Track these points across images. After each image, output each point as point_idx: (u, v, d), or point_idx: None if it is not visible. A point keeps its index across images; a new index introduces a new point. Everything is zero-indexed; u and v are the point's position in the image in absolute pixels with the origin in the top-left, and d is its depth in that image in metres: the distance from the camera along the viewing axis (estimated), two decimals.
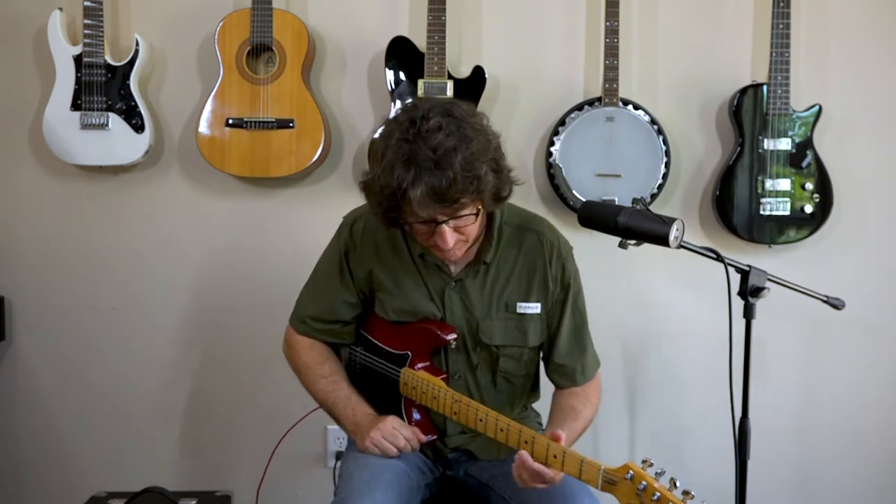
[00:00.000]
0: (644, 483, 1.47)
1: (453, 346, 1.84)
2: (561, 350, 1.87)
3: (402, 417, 1.86)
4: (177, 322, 2.62)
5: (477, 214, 1.65)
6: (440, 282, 1.83)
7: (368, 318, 1.95)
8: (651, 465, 1.49)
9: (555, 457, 1.59)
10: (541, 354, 1.93)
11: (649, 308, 2.61)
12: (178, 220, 2.59)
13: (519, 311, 1.82)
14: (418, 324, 1.85)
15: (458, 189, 1.54)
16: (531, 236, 1.84)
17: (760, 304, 1.71)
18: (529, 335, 1.84)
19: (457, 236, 1.64)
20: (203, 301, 2.61)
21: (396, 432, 1.79)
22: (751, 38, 2.54)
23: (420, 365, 1.85)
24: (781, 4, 2.40)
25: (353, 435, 1.87)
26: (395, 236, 1.83)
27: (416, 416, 1.87)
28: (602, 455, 2.64)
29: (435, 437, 1.88)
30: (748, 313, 1.70)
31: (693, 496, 1.46)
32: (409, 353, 1.86)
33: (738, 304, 1.68)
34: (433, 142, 1.53)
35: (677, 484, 1.47)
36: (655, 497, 1.45)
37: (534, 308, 1.83)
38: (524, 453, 1.60)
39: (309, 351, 1.94)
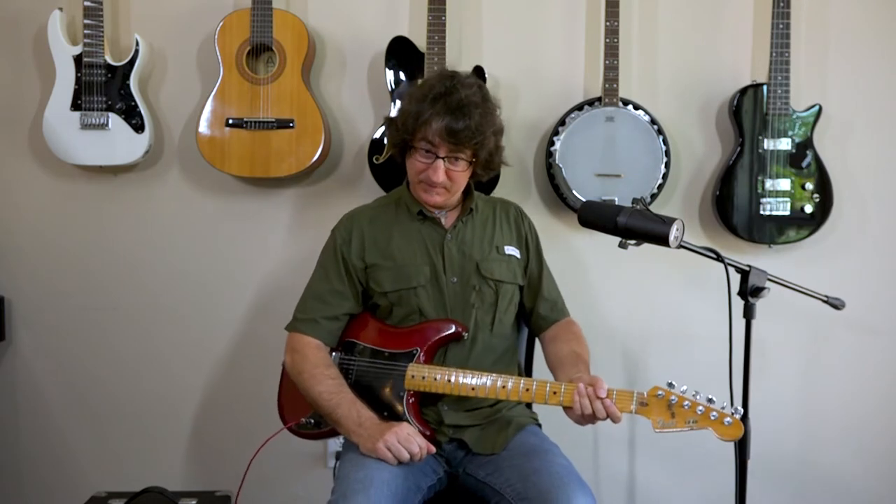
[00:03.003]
0: (675, 397, 1.71)
1: (465, 339, 1.96)
2: (546, 288, 2.12)
3: (403, 410, 1.89)
4: (177, 322, 2.61)
5: (469, 164, 1.94)
6: (437, 235, 2.03)
7: (364, 328, 2.00)
8: (674, 386, 1.72)
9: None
10: (524, 304, 2.12)
11: (649, 308, 2.61)
12: (178, 220, 2.59)
13: (507, 252, 2.07)
14: (430, 322, 1.95)
15: (467, 136, 1.86)
16: (499, 205, 2.15)
17: (760, 304, 1.71)
18: (517, 273, 2.07)
19: (445, 179, 1.92)
20: (203, 301, 2.61)
21: (412, 438, 1.80)
22: (751, 38, 2.54)
23: (424, 360, 1.92)
24: (781, 4, 2.40)
25: (353, 436, 1.86)
26: (392, 212, 2.06)
27: (412, 406, 1.90)
28: (602, 455, 2.64)
29: (430, 432, 1.90)
30: (748, 313, 1.71)
31: (715, 400, 1.70)
32: (419, 349, 1.92)
33: (738, 304, 1.68)
34: (463, 93, 1.88)
35: (699, 394, 1.71)
36: (686, 405, 1.70)
37: (515, 252, 2.08)
38: (600, 382, 1.75)
39: (318, 351, 1.98)
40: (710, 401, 1.70)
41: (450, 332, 1.94)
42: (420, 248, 2.01)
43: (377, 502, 1.69)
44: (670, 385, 1.71)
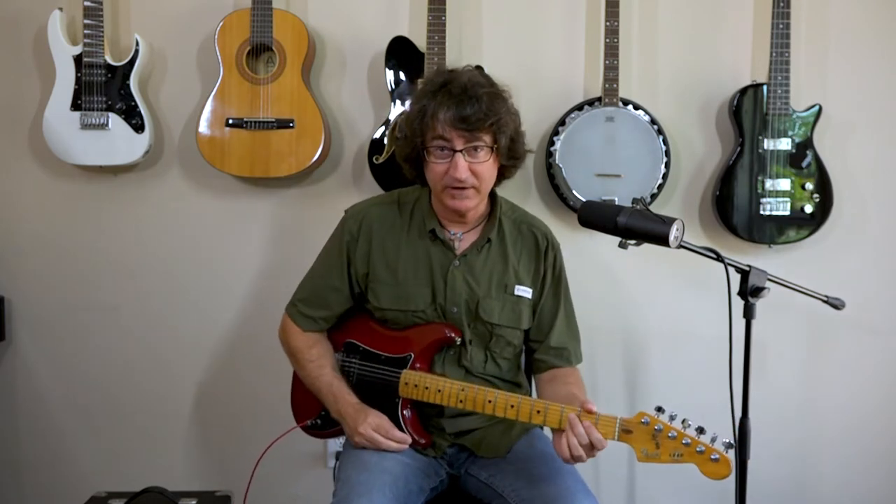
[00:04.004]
0: (660, 425, 1.62)
1: (458, 344, 1.90)
2: (557, 334, 1.97)
3: (398, 420, 1.89)
4: (177, 322, 2.62)
5: (490, 152, 1.79)
6: (445, 259, 1.91)
7: (363, 329, 1.98)
8: (663, 411, 1.63)
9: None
10: (528, 343, 2.01)
11: (649, 308, 2.61)
12: (178, 220, 2.59)
13: (516, 293, 1.92)
14: (424, 326, 1.91)
15: (479, 119, 1.73)
16: (527, 229, 1.98)
17: (760, 304, 1.71)
18: (523, 318, 1.94)
19: (470, 175, 1.77)
20: (203, 301, 2.61)
21: (376, 437, 1.84)
22: (751, 38, 2.54)
23: (419, 366, 1.89)
24: (781, 4, 2.40)
25: (341, 423, 1.92)
26: (406, 221, 1.94)
27: (409, 416, 1.90)
28: (602, 457, 2.63)
29: (425, 441, 1.90)
30: (748, 313, 1.70)
31: (705, 431, 1.61)
32: (412, 354, 1.89)
33: (738, 304, 1.68)
34: (465, 78, 1.77)
35: (689, 423, 1.62)
36: (671, 435, 1.61)
37: (527, 293, 1.94)
38: (575, 419, 1.66)
39: (300, 335, 2.00)
40: (699, 431, 1.63)
41: (442, 336, 1.89)
42: (424, 269, 1.91)
43: None
44: (659, 410, 1.65)
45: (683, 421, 1.64)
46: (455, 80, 1.77)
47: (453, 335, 1.89)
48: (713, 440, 1.63)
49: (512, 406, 1.76)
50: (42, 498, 2.67)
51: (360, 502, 1.68)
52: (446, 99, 1.74)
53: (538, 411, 1.73)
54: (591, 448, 1.66)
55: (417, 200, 1.96)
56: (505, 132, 1.79)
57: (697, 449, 1.62)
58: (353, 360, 1.97)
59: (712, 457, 1.62)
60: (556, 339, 1.97)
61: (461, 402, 1.81)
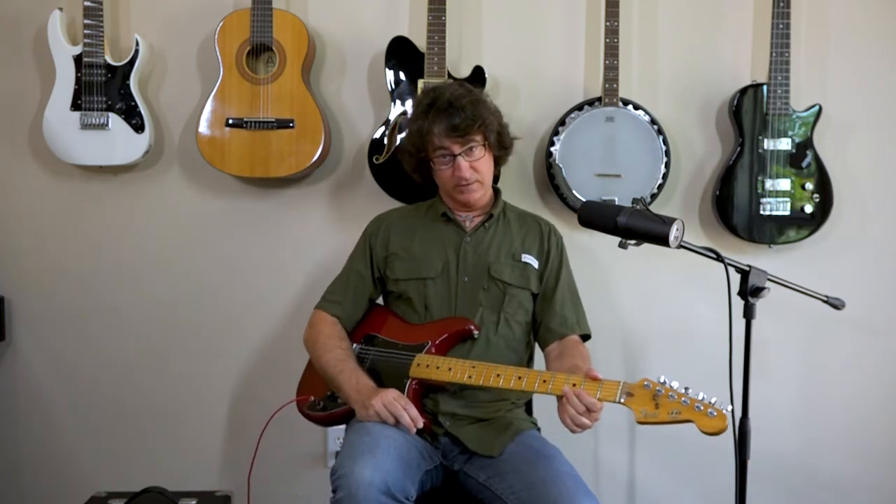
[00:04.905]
0: (661, 388, 1.69)
1: (476, 338, 2.01)
2: (559, 301, 2.11)
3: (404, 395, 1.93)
4: (177, 321, 2.61)
5: (484, 149, 2.05)
6: (457, 236, 2.13)
7: (384, 322, 2.10)
8: (665, 382, 1.70)
9: (574, 385, 1.76)
10: (534, 316, 2.12)
11: (649, 308, 2.61)
12: (178, 220, 2.59)
13: (523, 260, 2.11)
14: (447, 319, 2.04)
15: (468, 125, 1.99)
16: (531, 219, 2.22)
17: (760, 304, 1.71)
18: (531, 281, 2.11)
19: (472, 172, 2.03)
20: (204, 301, 2.61)
21: (396, 403, 1.87)
22: (751, 38, 2.54)
23: (434, 353, 1.97)
24: (781, 4, 2.40)
25: (351, 402, 1.95)
26: (422, 214, 2.18)
27: (415, 385, 1.94)
28: (602, 456, 2.64)
29: (426, 420, 1.92)
30: (748, 313, 1.71)
31: (704, 397, 1.66)
32: (430, 341, 1.98)
33: (738, 304, 1.68)
34: (448, 93, 2.03)
35: (689, 389, 1.69)
36: (671, 396, 1.68)
37: (533, 261, 2.13)
38: (569, 390, 1.74)
39: (332, 326, 2.12)
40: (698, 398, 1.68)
41: (462, 328, 2.00)
42: (438, 245, 2.11)
43: (384, 462, 1.72)
44: (662, 382, 1.70)
45: (685, 388, 1.69)
46: (440, 97, 2.02)
47: (471, 328, 2.00)
48: (712, 402, 1.67)
49: (519, 378, 1.83)
50: (42, 498, 2.66)
51: (364, 458, 1.71)
52: (437, 115, 2.00)
53: (544, 381, 1.80)
54: (589, 412, 1.73)
55: (431, 204, 2.20)
56: (492, 129, 2.05)
57: (696, 407, 1.66)
58: (370, 349, 2.06)
59: (709, 412, 1.65)
60: (560, 305, 2.10)
61: (470, 377, 1.86)
